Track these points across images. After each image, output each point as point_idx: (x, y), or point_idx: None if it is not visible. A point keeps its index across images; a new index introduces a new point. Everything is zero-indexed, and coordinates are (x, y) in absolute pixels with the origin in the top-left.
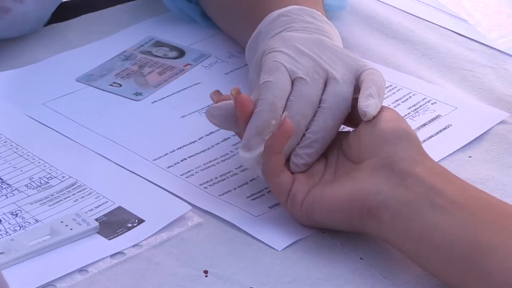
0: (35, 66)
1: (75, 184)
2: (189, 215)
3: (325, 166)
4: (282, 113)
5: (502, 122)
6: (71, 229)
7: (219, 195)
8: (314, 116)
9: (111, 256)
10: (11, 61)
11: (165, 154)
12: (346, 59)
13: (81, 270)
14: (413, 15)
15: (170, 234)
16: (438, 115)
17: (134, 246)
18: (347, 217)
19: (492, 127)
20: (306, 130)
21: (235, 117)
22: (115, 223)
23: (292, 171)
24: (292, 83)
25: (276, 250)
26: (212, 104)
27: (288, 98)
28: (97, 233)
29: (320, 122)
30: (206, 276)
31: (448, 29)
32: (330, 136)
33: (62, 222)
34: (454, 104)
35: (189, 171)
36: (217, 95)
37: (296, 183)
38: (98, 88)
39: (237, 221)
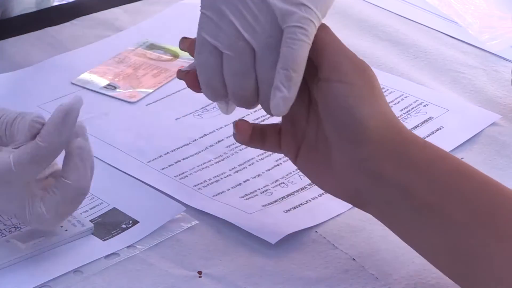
0: (30, 68)
1: None
2: (183, 217)
3: (308, 108)
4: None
5: (493, 124)
6: (66, 230)
7: (213, 196)
8: (256, 78)
9: (106, 257)
10: (6, 64)
11: (160, 156)
12: (270, 9)
13: (76, 271)
14: (405, 17)
15: (164, 236)
16: (430, 117)
17: (128, 247)
18: (338, 197)
19: (483, 129)
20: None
21: None
22: (110, 224)
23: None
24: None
25: (270, 243)
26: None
27: (223, 72)
28: (92, 234)
29: (262, 94)
30: (200, 277)
31: (440, 31)
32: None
33: None
34: (446, 106)
35: (183, 173)
36: (184, 43)
37: (283, 137)
38: (92, 90)
39: (230, 218)
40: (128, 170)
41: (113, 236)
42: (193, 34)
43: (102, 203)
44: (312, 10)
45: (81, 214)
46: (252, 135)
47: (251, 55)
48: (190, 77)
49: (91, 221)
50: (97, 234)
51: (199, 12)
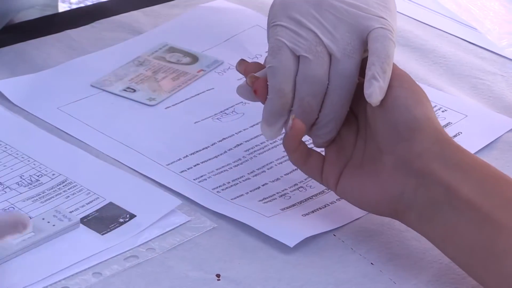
0: (50, 71)
1: (66, 181)
2: (201, 220)
3: (356, 135)
4: (293, 94)
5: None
6: (53, 225)
7: (232, 199)
8: (325, 92)
9: (125, 259)
10: (27, 66)
11: (178, 159)
12: (349, 20)
13: (95, 272)
14: (424, 23)
15: (183, 238)
16: (449, 122)
17: (147, 249)
18: (378, 213)
19: (502, 135)
20: (321, 107)
21: None
22: (107, 218)
23: (316, 147)
24: (299, 60)
25: (288, 246)
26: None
27: (296, 78)
28: (90, 228)
29: (328, 104)
30: (219, 279)
31: (459, 37)
32: (343, 113)
33: (43, 219)
34: (465, 111)
35: (202, 176)
36: (242, 66)
37: (326, 165)
38: (112, 93)
39: (249, 221)
40: (147, 173)
41: (111, 230)
42: (212, 38)
43: (98, 198)
44: (389, 22)
45: (66, 209)
46: (299, 150)
47: (327, 60)
48: (260, 83)
49: (88, 215)
50: (95, 228)
51: (267, 28)
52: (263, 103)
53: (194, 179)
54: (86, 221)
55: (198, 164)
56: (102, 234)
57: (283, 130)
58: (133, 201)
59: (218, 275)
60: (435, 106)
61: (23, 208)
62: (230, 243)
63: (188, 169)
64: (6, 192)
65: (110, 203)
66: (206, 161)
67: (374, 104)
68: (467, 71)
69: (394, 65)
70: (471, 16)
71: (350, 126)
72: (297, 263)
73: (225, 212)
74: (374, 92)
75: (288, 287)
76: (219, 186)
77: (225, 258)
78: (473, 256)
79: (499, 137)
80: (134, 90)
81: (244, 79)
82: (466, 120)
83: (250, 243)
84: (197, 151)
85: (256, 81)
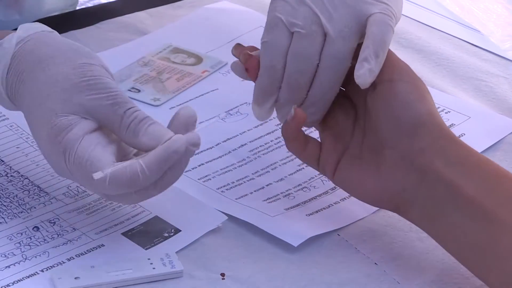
0: None
1: None
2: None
3: (353, 123)
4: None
5: None
6: (154, 268)
7: (236, 199)
8: (315, 71)
9: None
10: None
11: None
12: (351, 2)
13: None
14: (427, 25)
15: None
16: (452, 124)
17: None
18: (378, 205)
19: (505, 136)
20: (310, 87)
21: None
22: (152, 232)
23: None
24: (293, 35)
25: (293, 246)
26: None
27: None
28: (134, 242)
29: (317, 84)
30: (223, 279)
31: (462, 40)
32: (331, 95)
33: (149, 259)
34: (468, 113)
35: (206, 176)
36: (238, 50)
37: (323, 152)
38: None
39: (253, 220)
40: None
41: (155, 245)
42: (217, 39)
43: (144, 211)
44: (391, 8)
45: (112, 221)
46: (297, 138)
47: (321, 40)
48: (252, 62)
49: (133, 229)
50: (139, 243)
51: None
52: (254, 81)
53: (198, 179)
54: (130, 234)
55: (202, 164)
56: (146, 249)
57: (275, 113)
58: (178, 216)
59: (222, 274)
60: (439, 107)
61: (68, 220)
62: (235, 243)
63: (193, 169)
64: (52, 203)
65: (156, 217)
66: (210, 161)
67: (362, 87)
68: (470, 73)
69: (395, 57)
70: (474, 18)
71: (347, 113)
72: (301, 263)
73: (229, 212)
74: (364, 74)
75: (292, 287)
76: (224, 186)
77: (230, 258)
78: (476, 253)
79: (502, 138)
80: (139, 91)
81: None
82: (469, 121)
83: (255, 242)
84: (201, 151)
85: (249, 59)
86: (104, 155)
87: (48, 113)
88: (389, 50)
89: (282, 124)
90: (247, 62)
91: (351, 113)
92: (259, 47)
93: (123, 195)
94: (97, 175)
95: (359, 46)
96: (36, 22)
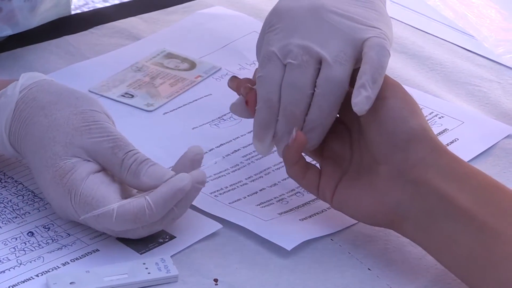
0: (49, 76)
1: None
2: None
3: (350, 148)
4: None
5: (508, 136)
6: (149, 273)
7: (230, 203)
8: (311, 100)
9: None
10: (25, 71)
11: None
12: (345, 29)
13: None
14: (421, 30)
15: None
16: (445, 129)
17: None
18: (374, 223)
19: (498, 142)
20: (306, 115)
21: None
22: (147, 238)
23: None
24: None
25: (286, 250)
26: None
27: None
28: (129, 247)
29: (315, 109)
30: (216, 284)
31: (456, 44)
32: (330, 120)
33: (144, 264)
34: (461, 118)
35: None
36: (234, 82)
37: (323, 179)
38: (110, 98)
39: (247, 224)
40: None
41: (150, 250)
42: (210, 44)
43: None
44: (385, 32)
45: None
46: (298, 163)
47: (314, 69)
48: (252, 94)
49: None
50: (134, 248)
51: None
52: (253, 115)
53: None
54: (125, 239)
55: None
56: (141, 254)
57: (275, 148)
58: (175, 223)
59: (216, 280)
60: (432, 112)
61: (62, 226)
62: (228, 248)
63: None
64: (46, 209)
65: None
66: (203, 166)
67: (359, 114)
68: (463, 78)
69: (386, 75)
70: (468, 23)
71: (343, 140)
72: (294, 268)
73: (223, 216)
74: (361, 101)
75: None
76: (217, 191)
77: (223, 263)
78: (470, 264)
79: (496, 143)
80: (132, 96)
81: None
82: (462, 126)
83: (248, 247)
84: None
85: (249, 92)
86: (109, 193)
87: (52, 157)
88: None
89: (283, 149)
90: (248, 96)
91: (347, 139)
92: (252, 52)
93: (129, 230)
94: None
95: (354, 71)
96: (36, 72)
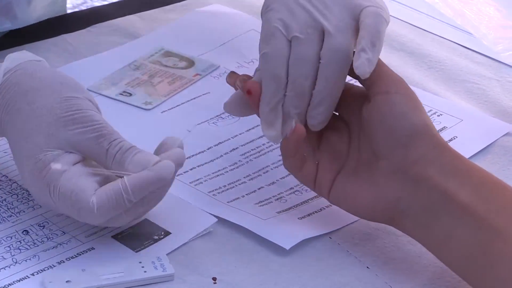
0: None
1: None
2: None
3: (348, 144)
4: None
5: (507, 134)
6: (145, 271)
7: (228, 202)
8: (317, 73)
9: None
10: None
11: None
12: (341, 0)
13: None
14: (419, 28)
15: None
16: (444, 126)
17: None
18: (372, 219)
19: (497, 139)
20: (314, 89)
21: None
22: (142, 235)
23: (312, 130)
24: (291, 42)
25: (285, 249)
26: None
27: (288, 61)
28: (124, 245)
29: (322, 80)
30: (215, 283)
31: (454, 42)
32: (337, 91)
33: (140, 262)
34: (460, 116)
35: (198, 179)
36: (232, 77)
37: (320, 172)
38: (108, 97)
39: (245, 223)
40: None
41: (145, 247)
42: (208, 42)
43: None
44: (381, 4)
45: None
46: (296, 156)
47: (318, 41)
48: (255, 83)
49: (122, 232)
50: (130, 245)
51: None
52: (255, 107)
53: (190, 183)
54: (120, 237)
55: (194, 168)
56: (136, 252)
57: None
58: (168, 218)
59: (214, 279)
60: (431, 110)
61: (57, 223)
62: (226, 246)
63: (184, 172)
64: (41, 207)
65: (146, 220)
66: (202, 165)
67: (362, 77)
68: (462, 76)
69: (390, 70)
70: (466, 21)
71: (341, 134)
72: (293, 266)
73: (221, 215)
74: (362, 64)
75: None
76: (215, 190)
77: (221, 262)
78: (469, 261)
79: (494, 141)
80: (130, 94)
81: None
82: (461, 124)
83: (246, 246)
84: (193, 155)
85: (250, 82)
86: (88, 185)
87: (33, 148)
88: (384, 64)
89: (281, 141)
90: (247, 84)
91: (345, 134)
92: (251, 50)
93: (113, 218)
94: (55, 166)
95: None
96: (23, 51)
